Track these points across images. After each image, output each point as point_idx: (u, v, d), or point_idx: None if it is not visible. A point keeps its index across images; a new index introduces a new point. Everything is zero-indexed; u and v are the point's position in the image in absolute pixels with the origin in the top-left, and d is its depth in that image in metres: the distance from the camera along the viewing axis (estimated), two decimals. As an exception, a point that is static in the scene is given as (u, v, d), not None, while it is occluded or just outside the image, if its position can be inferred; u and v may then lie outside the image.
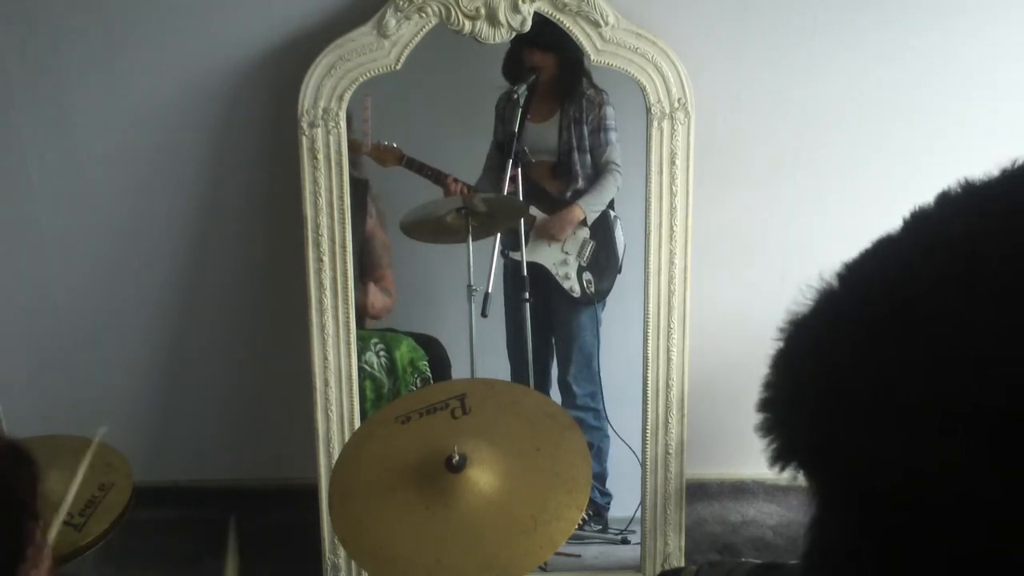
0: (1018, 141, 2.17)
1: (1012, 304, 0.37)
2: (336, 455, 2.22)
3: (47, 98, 2.24)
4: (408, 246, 2.26)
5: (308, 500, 2.35)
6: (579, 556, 2.43)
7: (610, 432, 2.44)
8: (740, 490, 2.56)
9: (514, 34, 2.13)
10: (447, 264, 2.26)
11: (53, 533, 1.44)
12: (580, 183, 2.33)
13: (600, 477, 2.46)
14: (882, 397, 0.40)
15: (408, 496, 1.56)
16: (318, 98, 2.15)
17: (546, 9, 2.10)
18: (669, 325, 2.28)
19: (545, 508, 1.52)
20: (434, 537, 1.52)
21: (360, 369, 2.30)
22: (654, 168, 2.19)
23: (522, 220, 2.31)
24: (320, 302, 2.24)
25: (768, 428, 0.46)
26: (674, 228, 2.22)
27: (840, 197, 2.30)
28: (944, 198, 0.44)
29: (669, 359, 2.30)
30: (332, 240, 2.22)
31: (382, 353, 2.34)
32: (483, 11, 2.10)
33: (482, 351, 2.19)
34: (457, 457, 1.53)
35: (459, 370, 2.37)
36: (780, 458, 0.45)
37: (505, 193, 2.23)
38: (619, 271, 2.39)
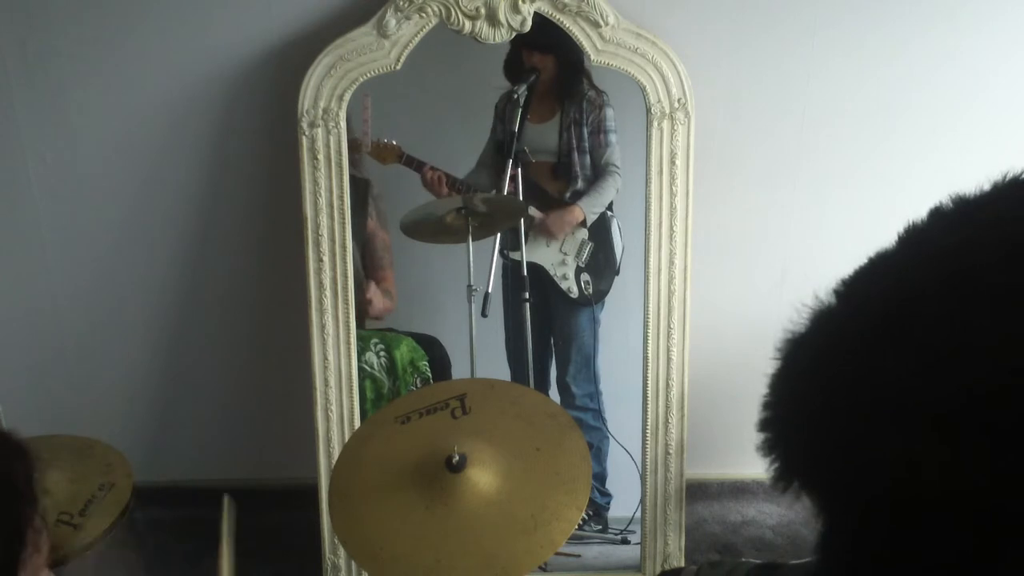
0: (1017, 141, 2.17)
1: (1003, 312, 0.38)
2: (336, 455, 2.23)
3: (47, 98, 2.24)
4: (408, 246, 2.26)
5: (308, 500, 2.35)
6: (579, 556, 2.43)
7: (607, 433, 2.44)
8: (740, 490, 2.56)
9: (514, 34, 2.13)
10: (447, 264, 2.26)
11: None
12: (580, 184, 2.33)
13: (600, 477, 2.46)
14: (876, 404, 0.41)
15: (408, 496, 1.56)
16: (318, 98, 2.15)
17: (546, 9, 2.10)
18: (669, 325, 2.28)
19: (545, 508, 1.52)
20: (434, 537, 1.52)
21: (360, 369, 2.30)
22: (654, 168, 2.19)
23: (522, 220, 2.31)
24: (320, 302, 2.25)
25: (769, 447, 0.47)
26: (674, 228, 2.22)
27: (840, 197, 2.31)
28: (937, 212, 0.45)
29: (669, 359, 2.30)
30: (332, 240, 2.22)
31: (382, 353, 2.34)
32: (483, 11, 2.10)
33: (482, 351, 2.19)
34: (457, 457, 1.53)
35: (459, 370, 2.37)
36: (782, 477, 0.46)
37: (505, 193, 2.23)
38: (617, 272, 2.39)
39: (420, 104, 2.35)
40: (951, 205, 0.45)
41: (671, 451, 2.34)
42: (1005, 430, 0.36)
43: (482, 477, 1.55)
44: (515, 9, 2.10)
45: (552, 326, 2.46)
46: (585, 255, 2.37)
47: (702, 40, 2.18)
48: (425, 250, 2.28)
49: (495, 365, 2.34)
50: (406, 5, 2.09)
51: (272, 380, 2.51)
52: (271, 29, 2.19)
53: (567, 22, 2.11)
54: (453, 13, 2.10)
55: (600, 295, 2.40)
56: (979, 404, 0.37)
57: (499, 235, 2.25)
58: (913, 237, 0.45)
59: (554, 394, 2.43)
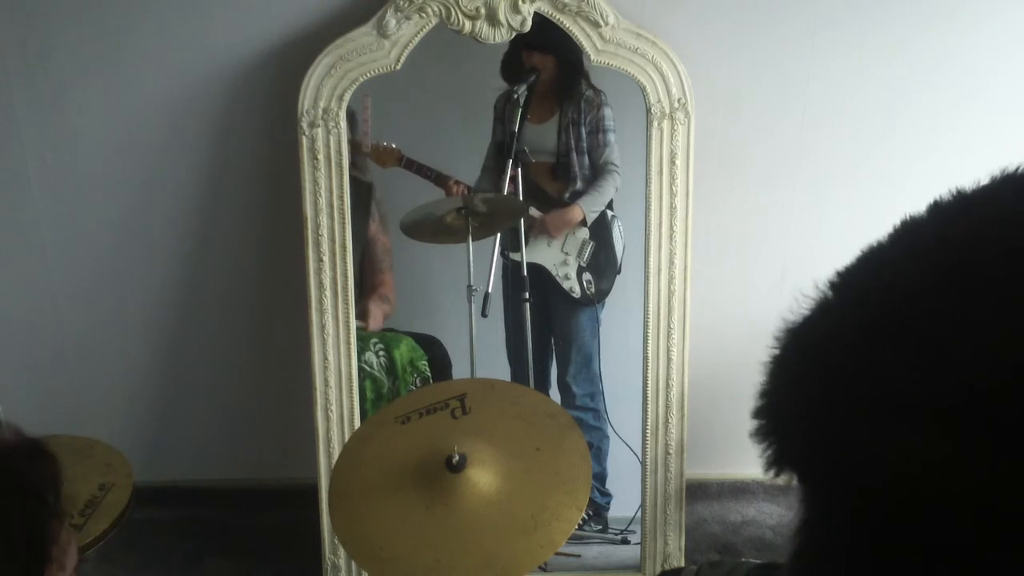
0: (1017, 141, 2.17)
1: (1004, 306, 0.38)
2: (336, 455, 2.22)
3: (47, 98, 2.24)
4: (408, 246, 2.26)
5: (308, 500, 2.35)
6: (579, 556, 2.43)
7: (610, 432, 2.44)
8: (740, 490, 2.56)
9: (514, 34, 2.13)
10: (447, 264, 2.26)
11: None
12: (579, 184, 2.33)
13: (600, 477, 2.46)
14: (876, 398, 0.41)
15: (408, 496, 1.56)
16: (318, 98, 2.15)
17: (546, 9, 2.10)
18: (669, 325, 2.28)
19: (545, 508, 1.52)
20: (434, 537, 1.52)
21: (360, 369, 2.30)
22: (654, 168, 2.19)
23: (522, 220, 2.31)
24: (320, 302, 2.24)
25: (764, 434, 0.47)
26: (674, 228, 2.22)
27: (840, 197, 2.31)
28: (936, 206, 0.45)
29: (669, 359, 2.30)
30: (332, 240, 2.22)
31: (381, 353, 2.34)
32: (483, 11, 2.10)
33: (482, 351, 2.19)
34: (457, 457, 1.53)
35: (459, 370, 2.37)
36: (775, 463, 0.46)
37: (505, 193, 2.23)
38: (618, 271, 2.39)
39: (420, 104, 2.35)
40: (950, 199, 0.45)
41: (671, 451, 2.34)
42: (1007, 425, 0.37)
43: (482, 477, 1.55)
44: (515, 9, 2.10)
45: (552, 326, 2.46)
46: (587, 255, 2.37)
47: (702, 40, 2.18)
48: (425, 250, 2.28)
49: (495, 365, 2.34)
50: (406, 5, 2.09)
51: (272, 380, 2.51)
52: (271, 29, 2.19)
53: (567, 22, 2.11)
54: (453, 13, 2.10)
55: (602, 294, 2.40)
56: (980, 399, 0.37)
57: (500, 235, 2.25)
58: (912, 230, 0.46)
59: (555, 394, 2.43)
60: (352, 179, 2.22)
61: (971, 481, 0.37)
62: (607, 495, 2.50)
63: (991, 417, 0.37)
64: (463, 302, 2.16)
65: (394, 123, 2.30)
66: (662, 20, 2.15)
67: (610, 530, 2.50)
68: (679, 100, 2.15)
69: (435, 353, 2.39)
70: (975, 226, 0.42)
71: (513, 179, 2.25)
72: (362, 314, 2.33)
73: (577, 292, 2.38)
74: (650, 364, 2.30)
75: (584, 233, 2.36)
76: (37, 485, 0.71)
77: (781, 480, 0.46)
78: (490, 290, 2.14)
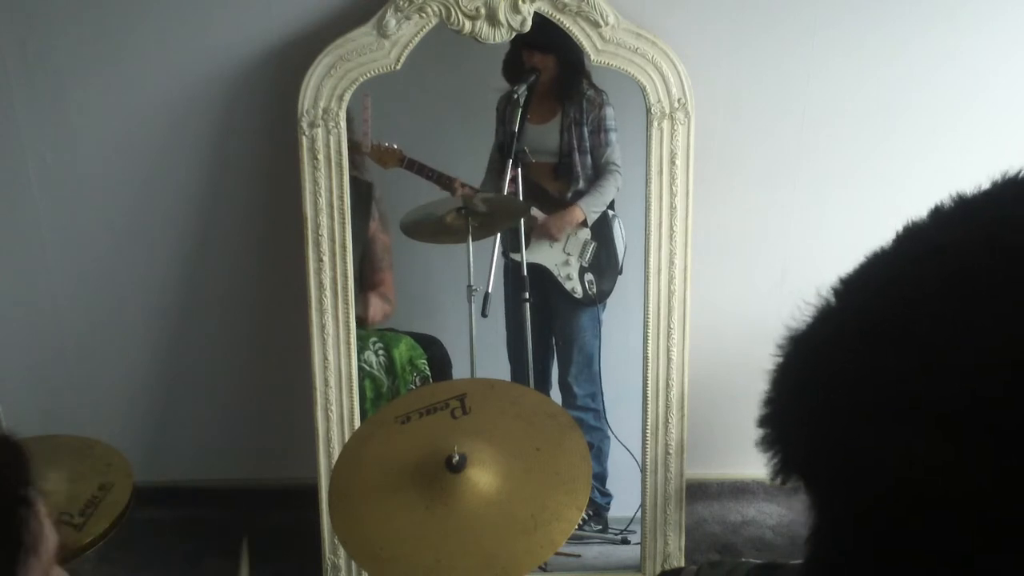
0: (1017, 141, 2.17)
1: (1005, 311, 0.38)
2: (336, 455, 2.23)
3: (47, 98, 2.24)
4: (408, 246, 2.26)
5: (308, 500, 2.35)
6: (579, 556, 2.43)
7: (609, 433, 2.44)
8: (740, 490, 2.56)
9: (514, 34, 2.13)
10: (447, 264, 2.26)
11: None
12: (581, 184, 2.33)
13: (600, 477, 2.46)
14: (878, 403, 0.41)
15: (408, 496, 1.56)
16: (318, 98, 2.15)
17: (546, 9, 2.10)
18: (669, 325, 2.28)
19: (545, 508, 1.52)
20: (434, 537, 1.52)
21: (359, 368, 2.30)
22: (654, 168, 2.19)
23: (522, 221, 2.31)
24: (320, 302, 2.24)
25: (769, 443, 0.47)
26: (674, 228, 2.22)
27: (840, 197, 2.31)
28: (937, 211, 0.45)
29: (669, 359, 2.30)
30: (332, 240, 2.22)
31: (381, 352, 2.34)
32: (483, 11, 2.10)
33: (482, 351, 2.19)
34: (457, 457, 1.53)
35: (459, 370, 2.37)
36: (781, 472, 0.46)
37: (505, 193, 2.23)
38: (620, 271, 2.39)
39: (420, 104, 2.35)
40: (951, 204, 0.45)
41: (671, 451, 2.34)
42: (1008, 430, 0.37)
43: (482, 477, 1.55)
44: (515, 9, 2.10)
45: (553, 326, 2.46)
46: (588, 255, 2.37)
47: (702, 40, 2.18)
48: (425, 250, 2.28)
49: (495, 365, 2.34)
50: (406, 5, 2.09)
51: (272, 380, 2.51)
52: (271, 29, 2.19)
53: (567, 22, 2.11)
54: (453, 13, 2.10)
55: (604, 295, 2.40)
56: (982, 404, 0.37)
57: (501, 236, 2.25)
58: (913, 236, 0.46)
59: (555, 394, 2.43)
60: (352, 178, 2.22)
61: (973, 486, 0.37)
62: (607, 495, 2.50)
63: (992, 422, 0.37)
64: (463, 302, 2.16)
65: (394, 123, 2.30)
66: (662, 20, 2.15)
67: (610, 530, 2.50)
68: (679, 100, 2.15)
69: (435, 353, 2.39)
70: (976, 231, 0.43)
71: (513, 179, 2.25)
72: (363, 308, 2.33)
73: (579, 292, 2.38)
74: (650, 364, 2.30)
75: (586, 233, 2.36)
76: (3, 475, 0.73)
77: (788, 487, 0.46)
78: (490, 290, 2.14)
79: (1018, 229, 0.41)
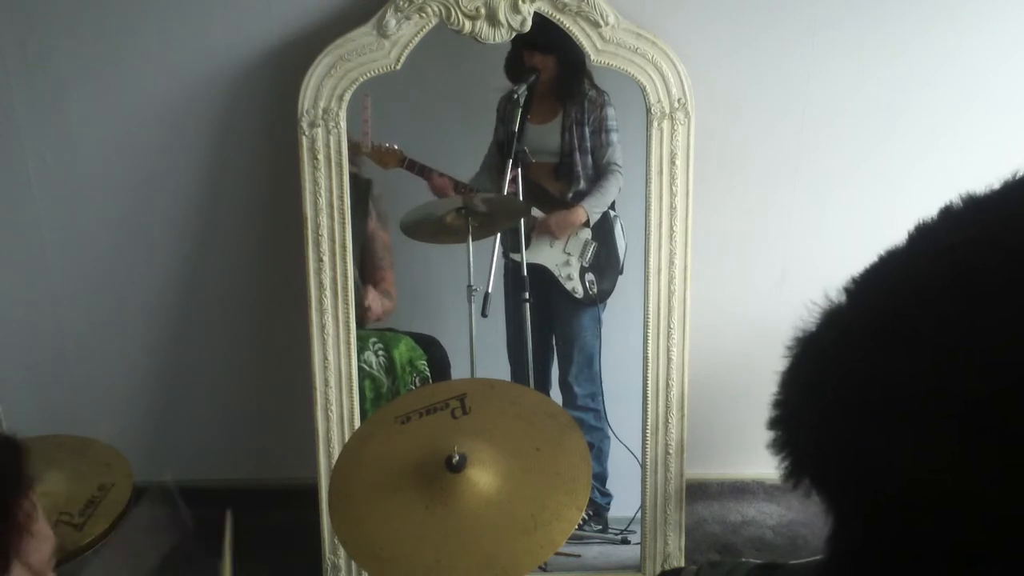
0: (1017, 141, 2.17)
1: (1013, 312, 0.38)
2: (336, 455, 2.23)
3: (47, 98, 2.24)
4: (408, 246, 2.26)
5: (308, 500, 2.35)
6: (579, 556, 2.43)
7: (610, 433, 2.44)
8: (740, 490, 2.56)
9: (514, 34, 2.13)
10: (447, 264, 2.26)
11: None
12: (582, 184, 2.33)
13: (600, 477, 2.46)
14: (890, 403, 0.41)
15: (408, 496, 1.56)
16: (318, 98, 2.15)
17: (546, 9, 2.10)
18: (669, 325, 2.28)
19: (545, 508, 1.52)
20: (434, 537, 1.52)
21: (359, 368, 2.30)
22: (654, 168, 2.19)
23: (523, 221, 2.31)
24: (320, 302, 2.24)
25: (780, 445, 0.47)
26: (674, 228, 2.22)
27: (840, 197, 2.31)
28: (947, 211, 0.45)
29: (669, 359, 2.30)
30: (332, 240, 2.22)
31: (380, 352, 2.34)
32: (483, 11, 2.10)
33: (482, 351, 2.19)
34: (457, 457, 1.53)
35: (459, 370, 2.37)
36: (792, 475, 0.46)
37: (505, 193, 2.23)
38: (620, 271, 2.39)
39: (420, 104, 2.35)
40: (961, 204, 0.45)
41: (671, 451, 2.34)
42: (1016, 429, 0.37)
43: (482, 477, 1.55)
44: (515, 9, 2.10)
45: (554, 326, 2.46)
46: (589, 255, 2.37)
47: (702, 40, 2.18)
48: (425, 250, 2.28)
49: (495, 365, 2.34)
50: (406, 5, 2.09)
51: (272, 380, 2.51)
52: (271, 29, 2.19)
53: (567, 22, 2.11)
54: (453, 13, 2.10)
55: (604, 295, 2.40)
56: (990, 404, 0.37)
57: (501, 236, 2.25)
58: (923, 236, 0.46)
59: (556, 394, 2.43)
60: (350, 176, 2.22)
61: (981, 485, 0.37)
62: (607, 495, 2.50)
63: (1000, 422, 0.37)
64: (463, 302, 2.16)
65: (394, 123, 2.30)
66: (662, 20, 2.15)
67: (610, 530, 2.50)
68: (679, 100, 2.15)
69: (434, 353, 2.39)
70: (985, 231, 0.43)
71: (513, 179, 2.25)
72: (363, 303, 2.32)
73: (580, 292, 2.38)
74: (650, 364, 2.30)
75: (587, 233, 2.36)
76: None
77: (800, 490, 0.46)
78: (490, 290, 2.14)
79: None
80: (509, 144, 2.25)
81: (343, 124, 2.17)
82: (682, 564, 2.38)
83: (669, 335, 2.28)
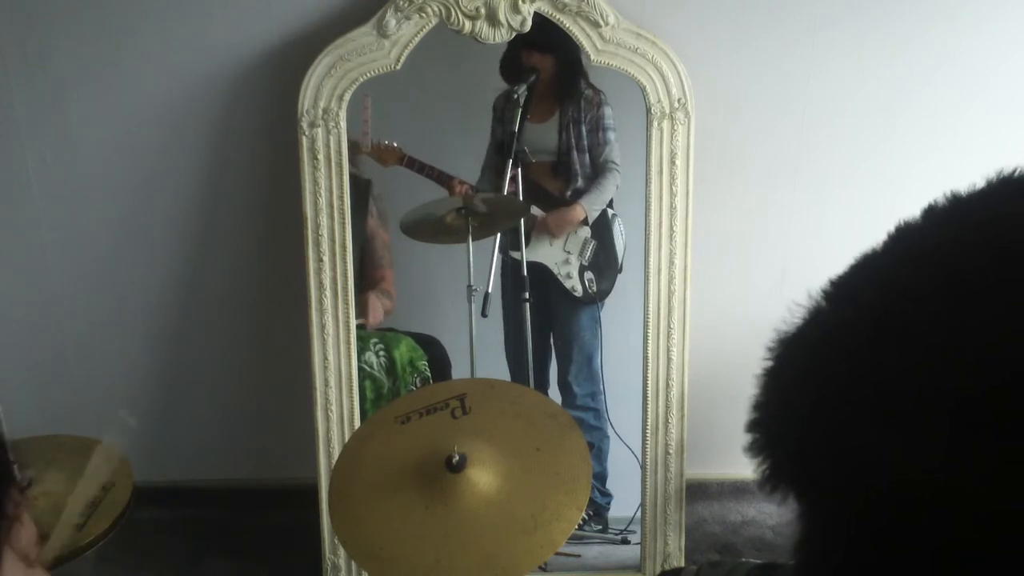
0: (1017, 141, 2.17)
1: (1000, 311, 0.38)
2: (336, 455, 2.23)
3: (47, 98, 2.24)
4: (408, 246, 2.26)
5: (308, 500, 2.35)
6: (579, 556, 2.43)
7: (610, 432, 2.44)
8: (740, 490, 2.56)
9: (514, 34, 2.13)
10: (447, 264, 2.26)
11: (63, 535, 1.46)
12: (580, 182, 2.33)
13: (600, 477, 2.46)
14: (881, 400, 0.41)
15: (408, 496, 1.56)
16: (318, 98, 2.15)
17: (546, 9, 2.10)
18: (669, 325, 2.28)
19: (545, 508, 1.52)
20: (434, 537, 1.52)
21: (359, 369, 2.30)
22: (654, 168, 2.19)
23: (522, 220, 2.31)
24: (320, 302, 2.24)
25: (758, 448, 0.47)
26: (674, 228, 2.22)
27: (840, 197, 2.31)
28: (930, 210, 0.45)
29: (669, 359, 2.30)
30: (332, 240, 2.22)
31: (381, 353, 2.34)
32: (483, 11, 2.10)
33: (482, 351, 2.19)
34: (457, 457, 1.53)
35: (459, 370, 2.37)
36: (772, 478, 0.46)
37: (505, 193, 2.23)
38: (619, 270, 2.39)
39: (420, 104, 2.35)
40: (945, 202, 0.45)
41: (671, 451, 2.34)
42: (1005, 427, 0.37)
43: (482, 477, 1.55)
44: (515, 9, 2.10)
45: (553, 325, 2.46)
46: (588, 253, 2.37)
47: (702, 40, 2.18)
48: (425, 250, 2.28)
49: (495, 365, 2.34)
50: (406, 5, 2.09)
51: (272, 380, 2.51)
52: (271, 29, 2.19)
53: (567, 22, 2.11)
54: (453, 13, 2.10)
55: (603, 293, 2.40)
56: (982, 401, 0.37)
57: (500, 235, 2.25)
58: (906, 235, 0.46)
59: (555, 394, 2.43)
60: (350, 176, 2.22)
61: (970, 485, 0.37)
62: (607, 495, 2.50)
63: (992, 419, 0.37)
64: (463, 302, 2.16)
65: (394, 123, 2.30)
66: (662, 20, 2.15)
67: (610, 530, 2.50)
68: (679, 100, 2.15)
69: (435, 353, 2.39)
70: (970, 230, 0.43)
71: (513, 179, 2.25)
72: (362, 309, 2.33)
73: (579, 291, 2.38)
74: (650, 364, 2.30)
75: (586, 232, 2.37)
76: None
77: (777, 495, 0.46)
78: (490, 290, 2.14)
79: (1014, 228, 0.41)
80: (509, 144, 2.25)
81: (343, 124, 2.17)
82: (682, 564, 2.38)
83: (669, 335, 2.28)
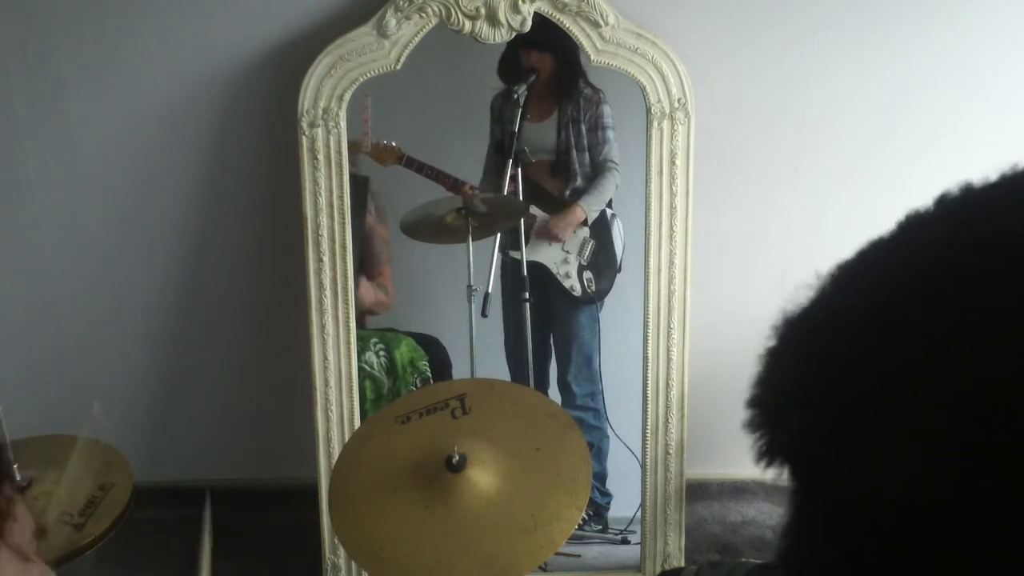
0: (1017, 141, 2.17)
1: (998, 303, 0.38)
2: (336, 455, 2.22)
3: (47, 98, 2.24)
4: (408, 246, 2.26)
5: (308, 500, 2.35)
6: (579, 556, 2.43)
7: (610, 432, 2.44)
8: (740, 490, 2.56)
9: (514, 34, 2.13)
10: (447, 264, 2.26)
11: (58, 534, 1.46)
12: (579, 182, 2.33)
13: (600, 477, 2.46)
14: (875, 390, 0.41)
15: (408, 496, 1.56)
16: (318, 98, 2.15)
17: (546, 9, 2.10)
18: (669, 325, 2.28)
19: (545, 508, 1.52)
20: (434, 537, 1.52)
21: (360, 369, 2.30)
22: (654, 168, 2.19)
23: (522, 220, 2.31)
24: (320, 302, 2.24)
25: (756, 425, 0.47)
26: (674, 228, 2.22)
27: (840, 196, 2.31)
28: (942, 200, 0.45)
29: (669, 359, 2.30)
30: (332, 240, 2.22)
31: (382, 353, 2.34)
32: (483, 11, 2.10)
33: (482, 351, 2.19)
34: (457, 457, 1.53)
35: (459, 370, 2.37)
36: (766, 455, 0.46)
37: (505, 193, 2.23)
38: (619, 270, 2.39)
39: (420, 104, 2.35)
40: (957, 193, 0.45)
41: (671, 451, 2.34)
42: (1011, 425, 0.37)
43: (482, 477, 1.55)
44: (515, 9, 2.10)
45: (553, 325, 2.46)
46: (587, 253, 2.37)
47: (702, 40, 2.18)
48: (425, 250, 2.28)
49: (495, 365, 2.34)
50: (406, 5, 2.09)
51: (272, 380, 2.51)
52: (271, 29, 2.19)
53: (567, 22, 2.11)
54: (453, 13, 2.10)
55: (602, 293, 2.40)
56: (982, 397, 0.37)
57: (500, 235, 2.25)
58: (916, 223, 0.45)
59: (555, 394, 2.43)
60: (349, 175, 2.22)
61: (968, 480, 0.37)
62: (607, 495, 2.50)
63: (992, 415, 0.37)
64: (463, 302, 2.16)
65: (394, 123, 2.30)
66: (662, 20, 2.15)
67: (610, 530, 2.50)
68: (679, 100, 2.15)
69: (435, 353, 2.39)
70: (972, 222, 0.42)
71: (513, 178, 2.25)
72: (356, 293, 2.31)
73: (578, 290, 2.38)
74: (650, 364, 2.30)
75: (585, 231, 2.37)
76: None
77: (772, 473, 0.46)
78: (490, 290, 2.14)
79: (1021, 225, 0.41)
80: (508, 143, 2.26)
81: (343, 124, 2.17)
82: (682, 564, 2.38)
83: (669, 335, 2.28)
